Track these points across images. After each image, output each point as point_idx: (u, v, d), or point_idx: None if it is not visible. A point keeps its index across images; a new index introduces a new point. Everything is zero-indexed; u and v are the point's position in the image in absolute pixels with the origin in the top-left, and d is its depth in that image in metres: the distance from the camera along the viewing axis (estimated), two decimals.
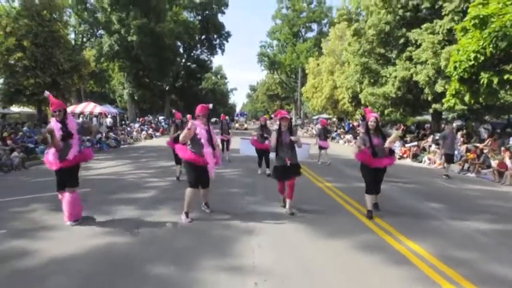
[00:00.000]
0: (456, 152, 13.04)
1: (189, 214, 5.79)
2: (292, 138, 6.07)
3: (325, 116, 38.26)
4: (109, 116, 26.84)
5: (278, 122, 6.39)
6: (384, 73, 19.12)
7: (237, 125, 41.28)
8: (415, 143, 17.72)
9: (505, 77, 10.27)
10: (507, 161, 10.88)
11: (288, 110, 66.24)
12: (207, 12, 46.25)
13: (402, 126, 23.22)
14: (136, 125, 30.96)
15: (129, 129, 28.23)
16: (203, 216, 6.06)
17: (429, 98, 16.57)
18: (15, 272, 3.87)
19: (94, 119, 25.10)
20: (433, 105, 16.91)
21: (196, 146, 5.72)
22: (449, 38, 15.66)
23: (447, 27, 15.58)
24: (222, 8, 46.81)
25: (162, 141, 20.25)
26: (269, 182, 8.48)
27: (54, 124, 5.31)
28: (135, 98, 38.41)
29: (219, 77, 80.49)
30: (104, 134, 20.82)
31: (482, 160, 12.23)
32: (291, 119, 6.71)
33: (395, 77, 17.80)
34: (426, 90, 16.41)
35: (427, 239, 5.05)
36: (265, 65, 58.73)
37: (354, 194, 7.75)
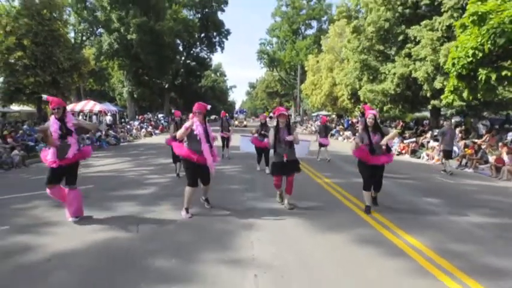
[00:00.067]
0: (455, 148, 13.10)
1: (189, 210, 5.85)
2: (288, 138, 6.14)
3: (324, 112, 38.34)
4: (109, 114, 26.90)
5: (276, 119, 6.44)
6: (383, 70, 19.19)
7: (236, 122, 41.30)
8: (414, 139, 17.80)
9: (503, 73, 10.33)
10: (504, 157, 10.95)
11: (288, 107, 66.31)
12: (206, 10, 46.26)
13: (401, 123, 23.36)
14: (136, 123, 31.01)
15: (128, 127, 28.28)
16: (203, 212, 6.14)
17: (428, 95, 16.63)
18: (18, 267, 3.94)
19: (94, 117, 25.16)
20: (432, 102, 16.98)
21: (193, 142, 5.75)
22: (449, 35, 15.71)
23: (446, 23, 15.63)
24: (222, 5, 46.80)
25: (161, 138, 20.31)
26: (268, 179, 8.53)
27: (53, 121, 5.35)
28: (135, 96, 38.46)
29: (218, 74, 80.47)
30: (103, 132, 20.88)
31: (480, 156, 12.31)
32: (289, 115, 6.77)
33: (394, 74, 17.86)
34: (425, 87, 16.47)
35: (424, 233, 5.12)
36: (264, 63, 58.77)
37: (352, 190, 7.82)
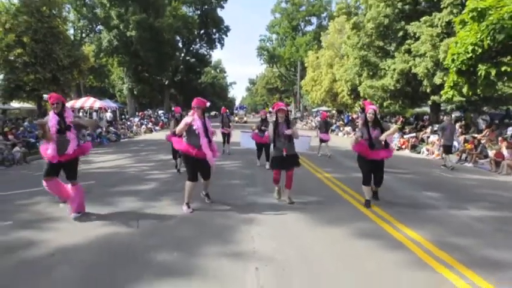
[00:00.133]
0: (455, 143, 13.11)
1: (190, 205, 5.90)
2: (287, 132, 6.17)
3: (324, 108, 38.34)
4: (109, 111, 26.92)
5: (275, 114, 6.47)
6: (383, 66, 19.20)
7: (236, 118, 41.33)
8: (414, 134, 17.83)
9: (503, 68, 10.37)
10: (504, 151, 10.99)
11: (288, 103, 66.26)
12: (206, 6, 46.10)
13: (401, 119, 23.36)
14: (136, 119, 31.04)
15: (129, 123, 28.33)
16: (204, 207, 6.19)
17: (428, 90, 16.65)
18: (22, 261, 3.98)
19: (94, 114, 25.18)
20: (432, 97, 17.00)
21: (192, 137, 5.78)
22: (448, 31, 15.71)
23: (446, 19, 15.63)
24: (221, 2, 46.64)
25: (161, 135, 20.34)
26: (269, 174, 8.56)
27: (52, 116, 5.37)
28: (135, 92, 38.46)
29: (218, 71, 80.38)
30: (104, 129, 20.93)
31: (479, 150, 12.36)
32: (289, 111, 6.81)
33: (394, 70, 17.88)
34: (425, 83, 16.49)
35: (424, 226, 5.17)
36: (264, 59, 58.74)
37: (352, 185, 7.87)
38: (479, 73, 10.72)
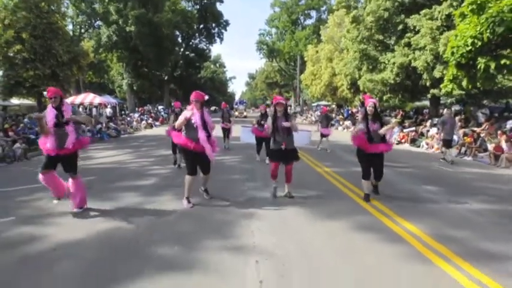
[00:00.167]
0: (455, 137, 13.06)
1: (190, 199, 5.94)
2: (285, 124, 6.14)
3: (324, 103, 38.32)
4: (109, 106, 26.91)
5: (274, 108, 6.48)
6: (383, 59, 19.15)
7: (236, 113, 41.30)
8: (413, 128, 17.86)
9: (502, 62, 10.35)
10: (503, 144, 11.03)
11: (287, 97, 66.18)
12: (205, 1, 45.98)
13: (401, 112, 23.39)
14: (136, 115, 31.05)
15: (129, 119, 28.35)
16: (204, 202, 6.23)
17: (427, 84, 16.62)
18: (24, 256, 4.03)
19: (94, 109, 25.19)
20: (431, 91, 16.97)
21: (190, 131, 5.78)
22: (448, 24, 15.65)
23: (446, 12, 15.56)
24: None
25: (161, 130, 20.37)
26: (268, 169, 8.62)
27: (49, 110, 5.39)
28: (134, 88, 38.41)
29: (217, 65, 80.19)
30: (104, 124, 20.96)
31: (479, 144, 12.39)
32: (289, 105, 6.79)
33: (394, 63, 17.84)
34: (424, 76, 16.46)
35: (423, 220, 5.21)
36: (264, 53, 58.59)
37: (352, 179, 7.90)
38: (478, 66, 10.70)
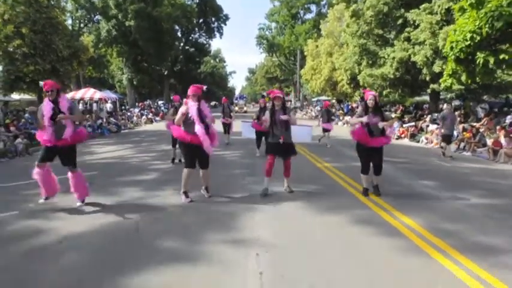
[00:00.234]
0: (455, 132, 13.02)
1: (188, 194, 5.94)
2: (282, 117, 6.12)
3: (324, 97, 38.33)
4: (109, 102, 26.94)
5: (271, 102, 6.46)
6: (382, 54, 19.16)
7: (236, 108, 41.36)
8: (413, 123, 17.92)
9: (501, 56, 10.39)
10: (502, 140, 11.09)
11: (287, 92, 66.13)
12: None
13: (401, 107, 23.43)
14: (136, 110, 31.08)
15: (129, 114, 28.40)
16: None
17: (427, 79, 16.65)
18: (31, 249, 4.13)
19: (94, 105, 25.22)
20: (431, 86, 17.01)
21: (188, 125, 5.73)
22: (448, 18, 15.65)
23: (445, 7, 15.54)
24: None
25: (162, 125, 20.43)
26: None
27: (46, 103, 5.42)
28: (134, 83, 38.43)
29: (217, 60, 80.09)
30: (104, 119, 21.02)
31: (478, 139, 12.44)
32: (284, 98, 6.78)
33: (394, 58, 17.85)
34: (424, 71, 16.49)
35: (420, 214, 5.30)
36: (264, 48, 58.46)
37: (351, 173, 7.98)
38: (477, 61, 10.72)
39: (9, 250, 4.10)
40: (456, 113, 16.43)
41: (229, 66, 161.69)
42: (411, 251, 4.05)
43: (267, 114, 6.44)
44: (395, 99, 24.72)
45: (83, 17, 37.09)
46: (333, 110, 31.22)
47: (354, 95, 28.71)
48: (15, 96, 24.38)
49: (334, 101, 37.93)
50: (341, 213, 5.38)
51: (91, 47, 25.86)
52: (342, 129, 21.23)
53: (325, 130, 13.60)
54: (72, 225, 4.82)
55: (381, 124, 6.03)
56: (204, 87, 6.07)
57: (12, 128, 13.12)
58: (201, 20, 46.68)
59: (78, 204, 5.67)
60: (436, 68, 15.51)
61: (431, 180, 7.80)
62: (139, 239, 4.42)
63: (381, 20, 19.61)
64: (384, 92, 20.24)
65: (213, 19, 47.69)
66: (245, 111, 42.87)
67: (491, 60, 10.50)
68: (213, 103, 66.75)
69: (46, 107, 5.40)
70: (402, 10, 18.25)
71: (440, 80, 13.77)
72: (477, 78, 11.85)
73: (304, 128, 11.61)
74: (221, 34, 48.87)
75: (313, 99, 47.97)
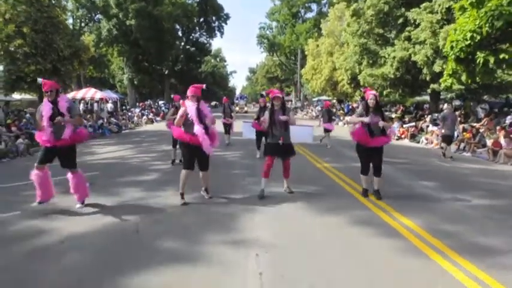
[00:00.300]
0: (455, 132, 12.89)
1: (184, 196, 5.89)
2: (282, 117, 6.08)
3: (325, 97, 38.34)
4: (110, 102, 26.97)
5: (271, 102, 6.40)
6: (383, 54, 19.16)
7: (237, 108, 41.31)
8: (413, 123, 17.92)
9: (501, 56, 10.39)
10: (501, 140, 11.10)
11: (288, 92, 66.09)
12: None
13: (401, 107, 23.43)
14: (137, 110, 31.11)
15: (130, 114, 28.43)
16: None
17: (427, 78, 16.66)
18: (33, 249, 4.17)
19: (95, 105, 25.26)
20: (431, 86, 17.01)
21: (188, 126, 5.68)
22: (448, 17, 15.65)
23: (446, 6, 15.53)
24: None
25: (162, 125, 20.43)
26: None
27: (45, 104, 5.40)
28: (135, 82, 38.46)
29: (218, 60, 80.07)
30: (105, 120, 21.06)
31: (478, 139, 12.44)
32: (284, 97, 6.75)
33: (394, 58, 17.85)
34: (424, 70, 16.49)
35: (419, 215, 5.32)
36: (264, 47, 58.44)
37: (351, 174, 8.01)
38: (477, 60, 10.72)
39: (12, 250, 4.14)
40: (456, 113, 16.44)
41: (230, 65, 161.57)
42: (410, 252, 4.07)
43: (266, 114, 6.39)
44: (395, 99, 24.72)
45: (83, 16, 37.15)
46: (334, 110, 31.24)
47: (354, 95, 28.72)
48: (16, 96, 24.39)
49: (334, 101, 37.93)
50: (341, 214, 5.41)
51: (92, 47, 25.87)
52: (343, 130, 21.25)
53: (326, 130, 13.57)
54: (73, 226, 4.86)
55: (381, 123, 6.01)
56: (204, 86, 6.01)
57: (13, 128, 13.15)
58: (201, 19, 46.64)
59: (78, 206, 5.68)
60: (437, 68, 15.51)
61: (431, 180, 7.82)
62: (140, 239, 4.45)
63: (381, 19, 19.61)
64: (384, 92, 20.22)
65: (214, 18, 47.67)
66: (246, 111, 42.87)
67: (492, 59, 10.50)
68: (213, 103, 66.69)
69: (45, 107, 5.38)
70: (403, 9, 18.25)
71: (441, 80, 13.77)
72: (477, 78, 11.85)
73: (305, 128, 11.62)
74: (222, 33, 48.90)
75: (314, 99, 47.97)
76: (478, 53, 10.72)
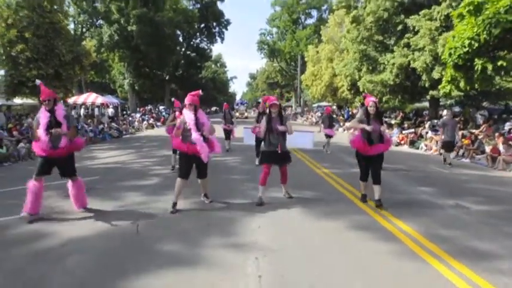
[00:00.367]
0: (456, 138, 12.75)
1: (176, 205, 5.79)
2: (280, 128, 6.07)
3: (325, 103, 38.45)
4: (111, 107, 27.10)
5: (268, 109, 6.36)
6: (382, 60, 19.27)
7: (237, 114, 41.42)
8: (413, 129, 18.00)
9: (499, 63, 10.49)
10: (500, 147, 11.17)
11: (288, 97, 66.22)
12: (206, 0, 46.06)
13: (401, 114, 23.52)
14: (138, 115, 31.21)
15: (130, 119, 28.54)
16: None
17: (426, 85, 16.75)
18: (35, 252, 4.23)
19: (96, 110, 25.38)
20: (431, 92, 17.11)
21: (185, 135, 5.68)
22: (447, 24, 15.76)
23: (445, 13, 15.66)
24: None
25: (163, 131, 20.51)
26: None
27: (42, 114, 5.39)
28: (136, 88, 38.61)
29: (218, 65, 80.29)
30: (106, 125, 21.15)
31: (476, 146, 12.51)
32: (281, 105, 6.75)
33: (393, 64, 17.95)
34: (423, 77, 16.58)
35: (417, 220, 5.39)
36: (265, 53, 58.67)
37: (350, 179, 8.08)
38: (476, 67, 10.83)
39: (14, 253, 4.20)
40: (456, 119, 16.51)
41: (230, 71, 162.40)
42: (407, 256, 4.14)
43: (263, 122, 6.33)
44: (395, 105, 24.81)
45: (85, 21, 37.31)
46: (334, 115, 31.30)
47: (354, 101, 28.81)
48: (17, 100, 24.49)
49: (334, 107, 38.02)
50: (339, 218, 5.47)
51: (93, 52, 26.03)
52: (342, 136, 21.32)
53: (327, 136, 13.60)
54: (74, 229, 4.92)
55: (382, 128, 6.04)
56: (200, 92, 6.01)
57: (15, 133, 13.25)
58: (202, 25, 46.90)
59: (81, 210, 5.76)
60: (436, 75, 15.59)
61: (429, 186, 7.88)
62: (141, 243, 4.51)
63: (381, 26, 19.75)
64: (384, 98, 20.31)
65: (214, 24, 47.93)
66: (246, 117, 42.93)
67: (490, 66, 10.61)
68: (214, 108, 66.79)
69: (42, 117, 5.36)
70: (402, 16, 18.36)
71: (439, 87, 13.86)
72: (476, 85, 11.95)
73: (306, 134, 11.69)
74: (222, 39, 49.14)
75: (314, 105, 48.09)
76: (476, 60, 10.83)
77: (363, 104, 6.80)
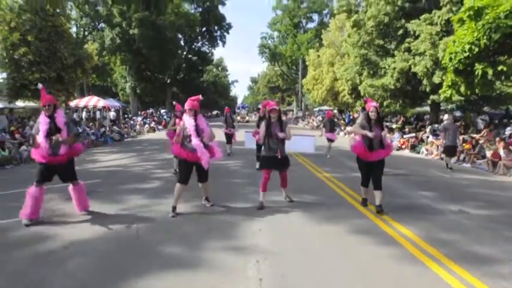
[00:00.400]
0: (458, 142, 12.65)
1: (176, 208, 5.81)
2: (280, 135, 6.07)
3: (326, 108, 38.52)
4: (112, 110, 27.18)
5: (267, 114, 6.36)
6: (383, 65, 19.32)
7: (238, 118, 41.44)
8: (414, 134, 18.02)
9: (499, 68, 10.53)
10: (501, 151, 11.17)
11: (289, 101, 66.30)
12: (207, 3, 46.22)
13: (402, 118, 23.54)
14: (139, 119, 31.28)
15: (132, 122, 28.60)
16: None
17: (427, 89, 16.78)
18: (37, 254, 4.25)
19: (98, 113, 25.46)
20: (431, 97, 17.13)
21: (185, 141, 5.69)
22: (448, 29, 15.81)
23: (445, 18, 15.71)
24: None
25: (164, 134, 20.59)
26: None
27: (42, 119, 5.39)
28: (137, 91, 38.73)
29: (220, 69, 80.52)
30: (107, 128, 21.21)
31: (477, 150, 12.52)
32: (280, 110, 6.75)
33: (394, 69, 17.98)
34: (424, 82, 16.61)
35: (417, 224, 5.40)
36: (266, 57, 58.79)
37: (351, 184, 8.10)
38: (476, 72, 10.87)
39: (15, 256, 4.22)
40: (457, 123, 16.52)
41: (232, 75, 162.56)
42: (407, 260, 4.15)
43: (262, 128, 6.32)
44: (396, 109, 24.84)
45: (87, 25, 37.47)
46: (335, 120, 31.33)
47: (355, 105, 28.86)
48: (19, 103, 24.58)
49: (335, 111, 38.07)
50: (340, 223, 5.48)
51: (95, 55, 26.13)
52: (343, 140, 21.33)
53: (328, 140, 13.60)
54: (76, 232, 4.95)
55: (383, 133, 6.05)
56: (200, 96, 6.05)
57: (17, 135, 13.29)
58: (204, 29, 47.04)
59: (82, 213, 5.79)
60: (436, 79, 15.63)
61: (430, 191, 7.90)
62: (142, 246, 4.54)
63: (381, 30, 19.82)
64: (385, 103, 20.33)
65: (216, 28, 48.03)
66: (247, 121, 42.93)
67: (490, 71, 10.65)
68: (215, 112, 66.83)
69: (42, 124, 5.36)
70: (403, 21, 18.42)
71: (440, 91, 13.90)
72: (476, 90, 11.98)
73: (307, 138, 11.68)
74: (224, 43, 49.20)
75: (315, 109, 48.14)
76: (476, 64, 10.87)
77: (363, 108, 6.83)
